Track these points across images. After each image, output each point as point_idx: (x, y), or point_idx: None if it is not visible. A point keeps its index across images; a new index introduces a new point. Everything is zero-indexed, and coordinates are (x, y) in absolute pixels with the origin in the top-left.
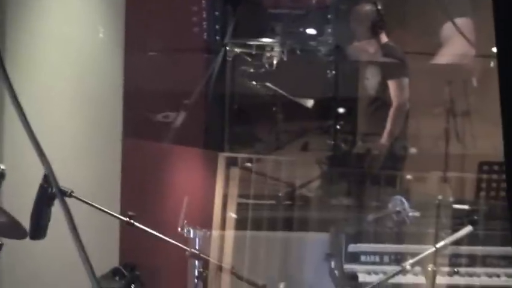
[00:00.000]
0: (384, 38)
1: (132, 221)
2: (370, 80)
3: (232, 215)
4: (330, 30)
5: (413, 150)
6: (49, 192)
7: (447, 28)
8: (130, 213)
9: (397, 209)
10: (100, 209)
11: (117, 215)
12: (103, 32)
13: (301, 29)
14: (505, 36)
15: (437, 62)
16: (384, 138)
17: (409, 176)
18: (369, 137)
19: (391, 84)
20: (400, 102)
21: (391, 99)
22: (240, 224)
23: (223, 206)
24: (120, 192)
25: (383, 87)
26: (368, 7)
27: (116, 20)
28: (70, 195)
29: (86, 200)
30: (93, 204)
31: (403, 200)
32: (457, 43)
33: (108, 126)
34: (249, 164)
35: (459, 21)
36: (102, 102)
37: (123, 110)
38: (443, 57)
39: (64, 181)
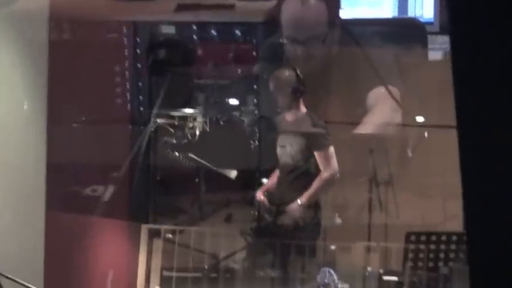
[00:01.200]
0: (303, 108)
1: None
2: (287, 148)
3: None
4: (254, 99)
5: (338, 220)
6: None
7: (372, 95)
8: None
9: (326, 281)
10: (19, 282)
11: None
12: (25, 103)
13: (225, 99)
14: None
15: (360, 130)
16: (302, 203)
17: (333, 247)
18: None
19: (319, 155)
20: (330, 171)
21: (313, 169)
22: None
23: (147, 279)
24: (43, 266)
25: (303, 156)
26: (287, 73)
27: (38, 91)
28: None
29: (6, 275)
30: (12, 277)
31: (332, 271)
32: (382, 111)
33: (31, 199)
34: (170, 235)
35: (384, 88)
36: (25, 174)
37: (46, 182)
38: (366, 125)
39: None
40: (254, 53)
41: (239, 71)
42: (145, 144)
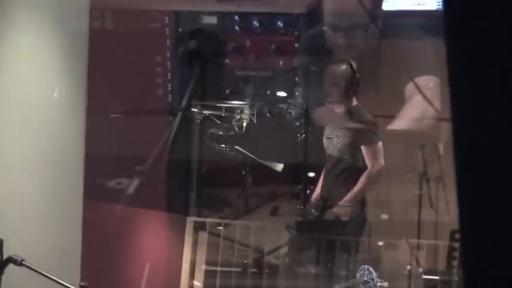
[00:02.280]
0: (354, 101)
1: None
2: (333, 140)
3: (197, 283)
4: (298, 92)
5: (384, 217)
6: None
7: (410, 87)
8: (82, 283)
9: (365, 279)
10: (51, 279)
11: (69, 286)
12: (64, 93)
13: (269, 92)
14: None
15: (396, 124)
16: (349, 200)
17: (380, 243)
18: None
19: (366, 150)
20: (377, 167)
21: (360, 163)
22: None
23: (191, 273)
24: (80, 259)
25: (349, 150)
26: (344, 67)
27: (77, 81)
28: (21, 264)
29: (36, 269)
30: (44, 273)
31: (371, 269)
32: (417, 103)
33: (69, 190)
34: (220, 228)
35: (424, 79)
36: (63, 165)
37: (85, 174)
38: (402, 119)
39: (22, 248)
40: (296, 45)
41: (281, 62)
42: (186, 135)
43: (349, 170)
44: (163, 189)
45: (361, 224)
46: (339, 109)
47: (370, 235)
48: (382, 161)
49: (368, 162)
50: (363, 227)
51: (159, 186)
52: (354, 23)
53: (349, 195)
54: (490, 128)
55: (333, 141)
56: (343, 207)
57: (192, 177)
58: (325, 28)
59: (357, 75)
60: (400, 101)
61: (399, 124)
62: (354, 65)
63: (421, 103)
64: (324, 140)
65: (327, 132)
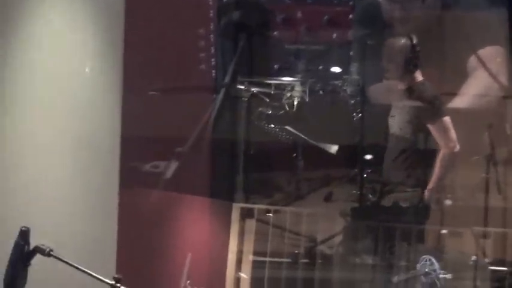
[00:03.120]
0: (418, 76)
1: (118, 285)
2: (396, 118)
3: (243, 275)
4: (354, 68)
5: (448, 203)
6: (25, 251)
7: (473, 61)
8: (116, 276)
9: (426, 270)
10: (82, 270)
11: (102, 278)
12: (98, 70)
13: (322, 67)
14: None
15: (457, 102)
16: (432, 187)
17: (443, 231)
18: (399, 186)
19: (434, 128)
20: (449, 144)
21: (423, 144)
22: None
23: (238, 263)
24: (115, 249)
25: (412, 128)
26: (403, 41)
27: (113, 57)
28: (49, 254)
29: (66, 260)
30: (74, 264)
31: (433, 260)
32: (480, 78)
33: (103, 175)
34: (269, 215)
35: (488, 50)
36: (97, 148)
37: (121, 157)
38: (464, 96)
39: (51, 237)
40: (351, 16)
41: (335, 35)
42: (232, 115)
43: (411, 150)
44: (207, 173)
45: (423, 211)
46: (400, 85)
47: (433, 223)
48: (453, 137)
49: (439, 141)
50: (424, 213)
51: (201, 169)
52: None
53: (430, 185)
54: None
55: (395, 118)
56: (429, 195)
57: (238, 160)
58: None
59: (418, 49)
60: (464, 77)
61: (461, 102)
62: (414, 39)
63: (485, 78)
64: (389, 119)
65: (392, 110)
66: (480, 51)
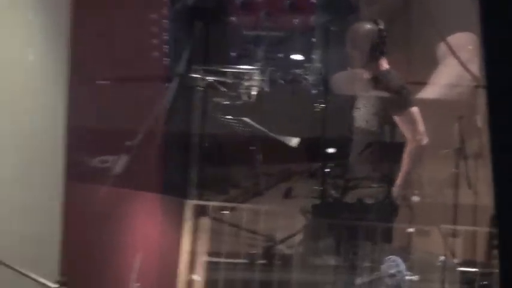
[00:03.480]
0: (384, 65)
1: None
2: (361, 110)
3: (196, 277)
4: (317, 55)
5: (415, 199)
6: None
7: (443, 48)
8: (61, 278)
9: (391, 271)
10: (23, 273)
11: (44, 281)
12: (42, 56)
13: (283, 55)
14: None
15: (426, 92)
16: (400, 183)
17: (410, 230)
18: (364, 182)
19: (401, 120)
20: (417, 137)
21: (390, 137)
22: None
23: (191, 265)
24: (59, 250)
25: (378, 120)
26: (368, 26)
27: (58, 42)
28: None
29: (5, 262)
30: (14, 267)
31: (399, 260)
32: (452, 65)
33: (48, 169)
34: (225, 212)
35: (459, 37)
36: (41, 140)
37: (66, 150)
38: (433, 86)
39: None
40: (314, 1)
41: (297, 20)
42: (190, 105)
43: (378, 144)
44: (158, 168)
45: (389, 208)
46: (365, 74)
47: (399, 221)
48: (421, 129)
49: (406, 134)
50: (390, 211)
51: (153, 164)
52: None
53: (398, 181)
54: None
55: (360, 110)
56: (397, 192)
57: (192, 154)
58: None
59: (384, 34)
60: (434, 65)
61: (431, 92)
62: (381, 23)
63: (456, 66)
64: (354, 110)
65: (357, 101)
66: (450, 38)
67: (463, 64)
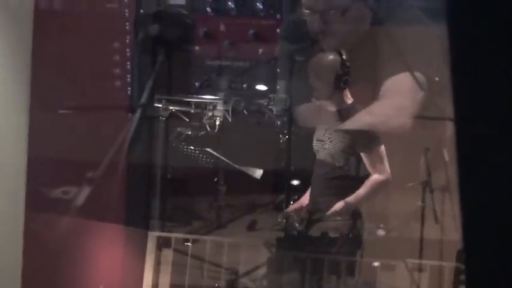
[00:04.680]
0: (348, 99)
1: None
2: (326, 144)
3: None
4: (281, 86)
5: (380, 233)
6: None
7: (387, 83)
8: None
9: None
10: None
11: None
12: (1, 84)
13: (246, 85)
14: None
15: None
16: (349, 201)
17: (375, 264)
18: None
19: (368, 157)
20: (382, 174)
21: (356, 172)
22: None
23: None
24: (20, 282)
25: (345, 156)
26: (331, 57)
27: (20, 71)
28: None
29: None
30: None
31: None
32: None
33: (8, 199)
34: (188, 244)
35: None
36: (2, 169)
37: (27, 180)
38: (399, 117)
39: None
40: (278, 30)
41: (261, 50)
42: (153, 136)
43: (343, 178)
44: (121, 199)
45: (354, 241)
46: (330, 106)
47: (364, 254)
48: (387, 169)
49: (370, 169)
50: (355, 244)
51: (115, 195)
52: (329, 4)
53: (350, 198)
54: (497, 128)
55: (325, 144)
56: (341, 207)
57: (154, 185)
58: (304, 10)
59: (348, 64)
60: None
61: (395, 123)
62: (344, 54)
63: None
64: (314, 142)
65: (319, 133)
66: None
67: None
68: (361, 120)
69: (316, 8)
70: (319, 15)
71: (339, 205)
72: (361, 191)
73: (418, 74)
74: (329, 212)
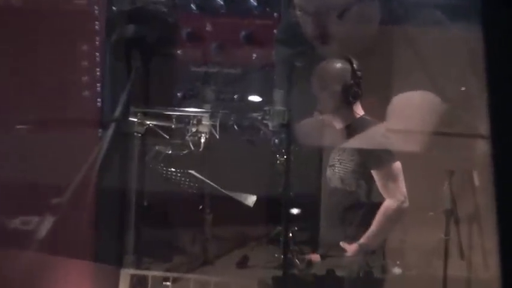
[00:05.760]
0: (359, 110)
1: None
2: (336, 167)
3: None
4: (278, 97)
5: (397, 271)
6: None
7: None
8: None
9: None
10: None
11: None
12: None
13: (237, 96)
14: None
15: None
16: (363, 243)
17: None
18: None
19: (379, 175)
20: (397, 198)
21: (369, 195)
22: None
23: None
24: None
25: (356, 178)
26: (339, 65)
27: None
28: None
29: None
30: None
31: None
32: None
33: None
34: (167, 284)
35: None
36: None
37: None
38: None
39: None
40: (275, 31)
41: (255, 55)
42: (127, 155)
43: (358, 207)
44: (89, 231)
45: (365, 281)
46: (336, 122)
47: None
48: (402, 189)
49: (383, 191)
50: (367, 284)
51: (83, 225)
52: (323, 4)
53: (362, 239)
54: None
55: (335, 168)
56: (355, 251)
57: (129, 214)
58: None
59: (359, 74)
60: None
61: (414, 142)
62: (354, 62)
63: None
64: (328, 170)
65: (330, 157)
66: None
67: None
68: (372, 136)
69: (309, 9)
70: (312, 17)
71: (351, 248)
72: (374, 227)
73: (440, 84)
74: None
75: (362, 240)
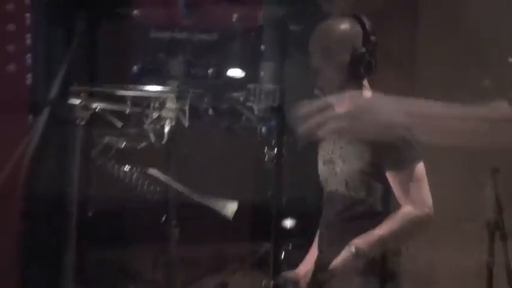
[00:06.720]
0: (367, 89)
1: None
2: (337, 165)
3: None
4: (267, 71)
5: None
6: None
7: None
8: None
9: None
10: None
11: None
12: None
13: (213, 70)
14: None
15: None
16: (364, 241)
17: None
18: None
19: (395, 179)
20: (421, 207)
21: (383, 204)
22: None
23: None
24: None
25: (366, 181)
26: (347, 26)
27: None
28: None
29: None
30: None
31: None
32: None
33: None
34: None
35: None
36: None
37: None
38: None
39: None
40: None
41: (236, 16)
42: (66, 149)
43: (368, 217)
44: (15, 249)
45: None
46: (341, 104)
47: None
48: (427, 198)
49: (401, 199)
50: None
51: (8, 243)
52: None
53: (367, 238)
54: None
55: (336, 167)
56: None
57: (67, 229)
58: None
59: (373, 39)
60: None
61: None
62: (366, 21)
63: None
64: (321, 166)
65: (325, 150)
66: None
67: None
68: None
69: None
70: None
71: (343, 254)
72: (381, 232)
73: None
74: (334, 265)
75: (361, 245)
